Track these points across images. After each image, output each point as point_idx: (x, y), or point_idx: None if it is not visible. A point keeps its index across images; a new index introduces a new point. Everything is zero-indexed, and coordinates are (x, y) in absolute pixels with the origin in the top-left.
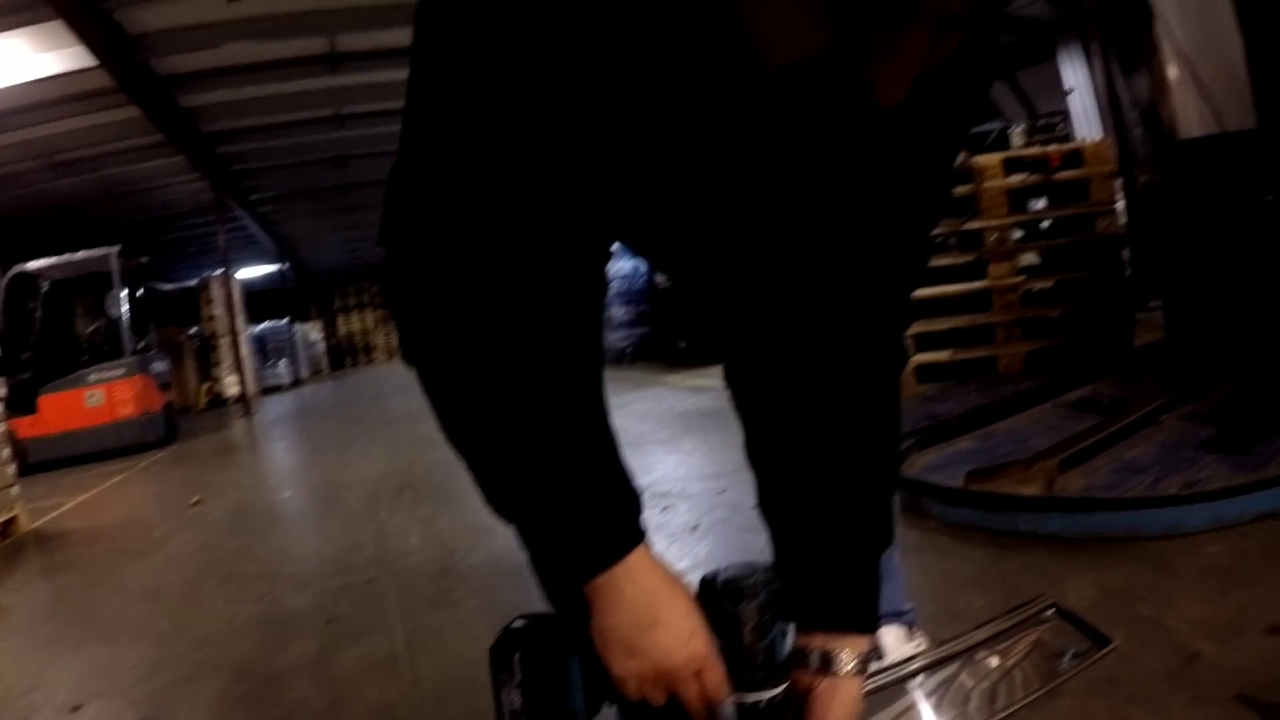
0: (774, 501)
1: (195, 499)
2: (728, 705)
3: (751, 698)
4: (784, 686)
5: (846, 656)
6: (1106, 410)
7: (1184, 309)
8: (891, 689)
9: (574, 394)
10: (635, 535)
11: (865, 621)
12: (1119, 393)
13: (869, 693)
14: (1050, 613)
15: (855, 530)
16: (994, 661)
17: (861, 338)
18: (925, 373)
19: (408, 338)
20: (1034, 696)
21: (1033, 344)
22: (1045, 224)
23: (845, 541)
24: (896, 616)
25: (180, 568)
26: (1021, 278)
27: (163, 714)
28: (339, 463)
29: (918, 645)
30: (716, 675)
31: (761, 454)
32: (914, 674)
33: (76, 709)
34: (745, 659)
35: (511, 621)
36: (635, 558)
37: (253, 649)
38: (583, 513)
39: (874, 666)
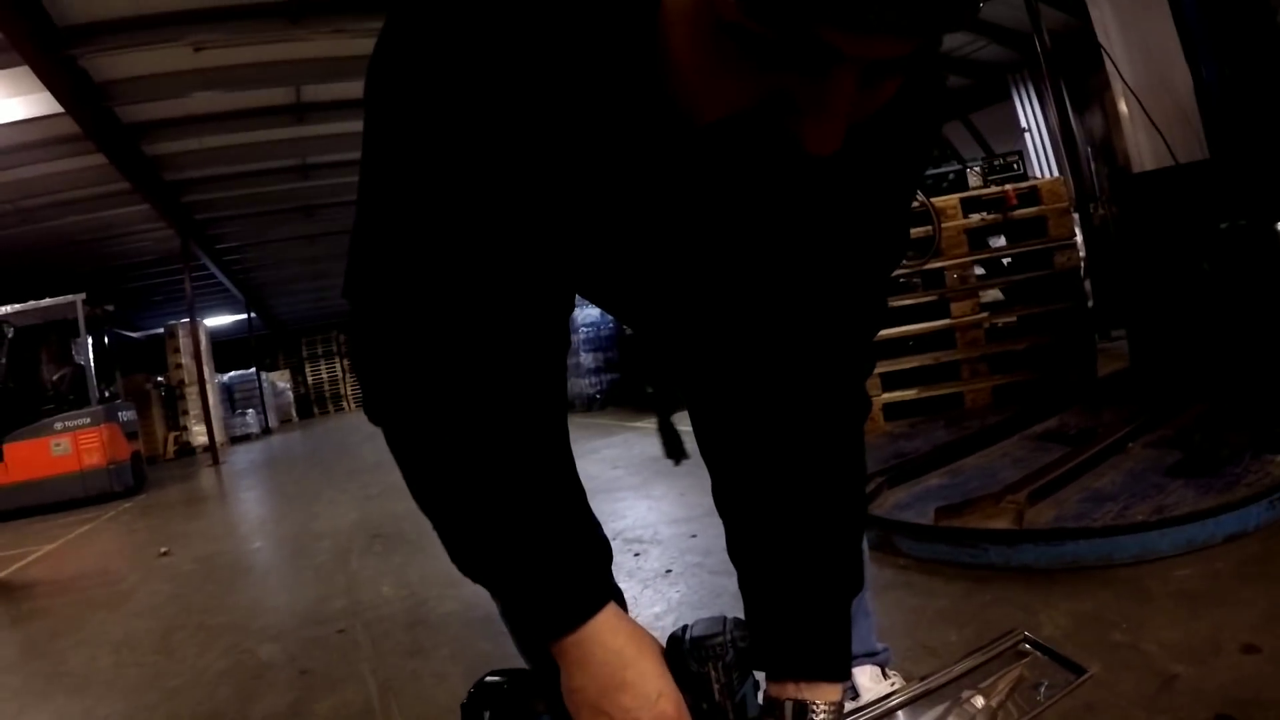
0: (742, 549)
1: (163, 550)
2: None
3: None
4: None
5: (820, 706)
6: (1073, 441)
7: (1147, 336)
8: None
9: (538, 451)
10: (602, 595)
11: (837, 669)
12: (1085, 423)
13: None
14: (1024, 645)
15: (824, 576)
16: (970, 697)
17: (821, 384)
18: (892, 410)
19: (370, 395)
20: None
21: (998, 379)
22: (1006, 261)
23: (815, 588)
24: (870, 657)
25: (149, 619)
26: (984, 314)
27: None
28: (308, 513)
29: (892, 684)
30: None
31: (728, 501)
32: (890, 712)
33: None
34: (715, 718)
35: (483, 677)
36: (602, 618)
37: (225, 701)
38: (547, 574)
39: (850, 707)
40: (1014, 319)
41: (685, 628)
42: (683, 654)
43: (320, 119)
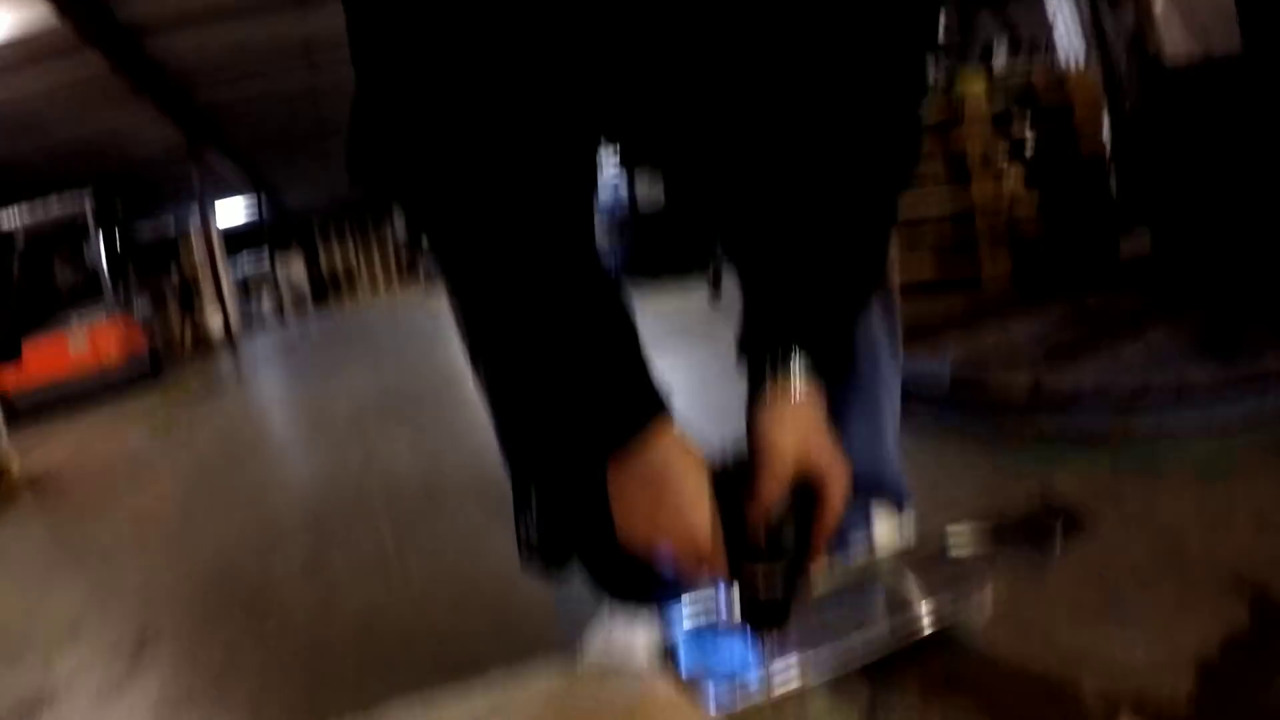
0: (750, 238)
1: (182, 430)
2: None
3: (752, 568)
4: (787, 572)
5: (800, 363)
6: (1092, 318)
7: (1171, 231)
8: (883, 575)
9: (583, 263)
10: (654, 409)
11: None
12: (1104, 304)
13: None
14: (1039, 504)
15: (837, 253)
16: (983, 547)
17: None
18: (908, 289)
19: (410, 217)
20: (1025, 578)
21: (1017, 261)
22: (1030, 143)
23: (824, 263)
24: (893, 496)
25: (170, 494)
26: (1006, 195)
27: (157, 626)
28: (325, 388)
29: (904, 531)
30: (717, 566)
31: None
32: (901, 559)
33: (75, 629)
34: (751, 544)
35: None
36: (652, 435)
37: (244, 561)
38: (605, 384)
39: (862, 553)
40: (1035, 201)
41: (725, 451)
42: (727, 480)
43: (323, 4)
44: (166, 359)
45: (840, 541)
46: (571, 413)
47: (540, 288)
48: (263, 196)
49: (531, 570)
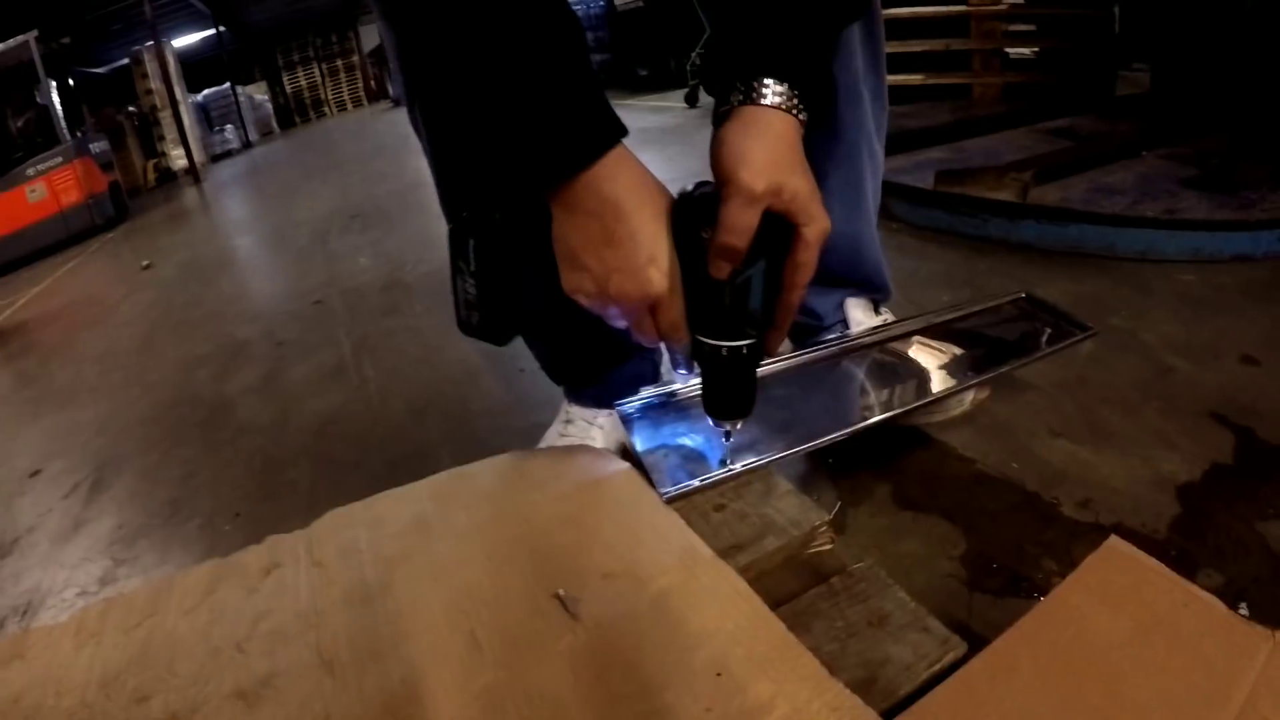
0: None
1: (145, 264)
2: (683, 346)
3: (714, 343)
4: (752, 341)
5: (772, 86)
6: (1085, 141)
7: (1172, 66)
8: (863, 354)
9: None
10: (605, 135)
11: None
12: (1099, 128)
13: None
14: (1025, 304)
15: None
16: (968, 338)
17: None
18: (896, 94)
19: None
20: (1010, 368)
21: (1010, 76)
22: None
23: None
24: (871, 290)
25: (131, 328)
26: (1004, 5)
27: (118, 459)
28: (289, 206)
29: (885, 319)
30: (673, 314)
31: None
32: (883, 342)
33: (35, 473)
34: (711, 300)
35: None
36: (604, 163)
37: (202, 383)
38: (550, 101)
39: (839, 334)
40: (1034, 16)
41: (697, 185)
42: (689, 214)
43: None
44: (131, 197)
45: (813, 319)
46: (513, 135)
47: None
48: (221, 26)
49: (470, 331)
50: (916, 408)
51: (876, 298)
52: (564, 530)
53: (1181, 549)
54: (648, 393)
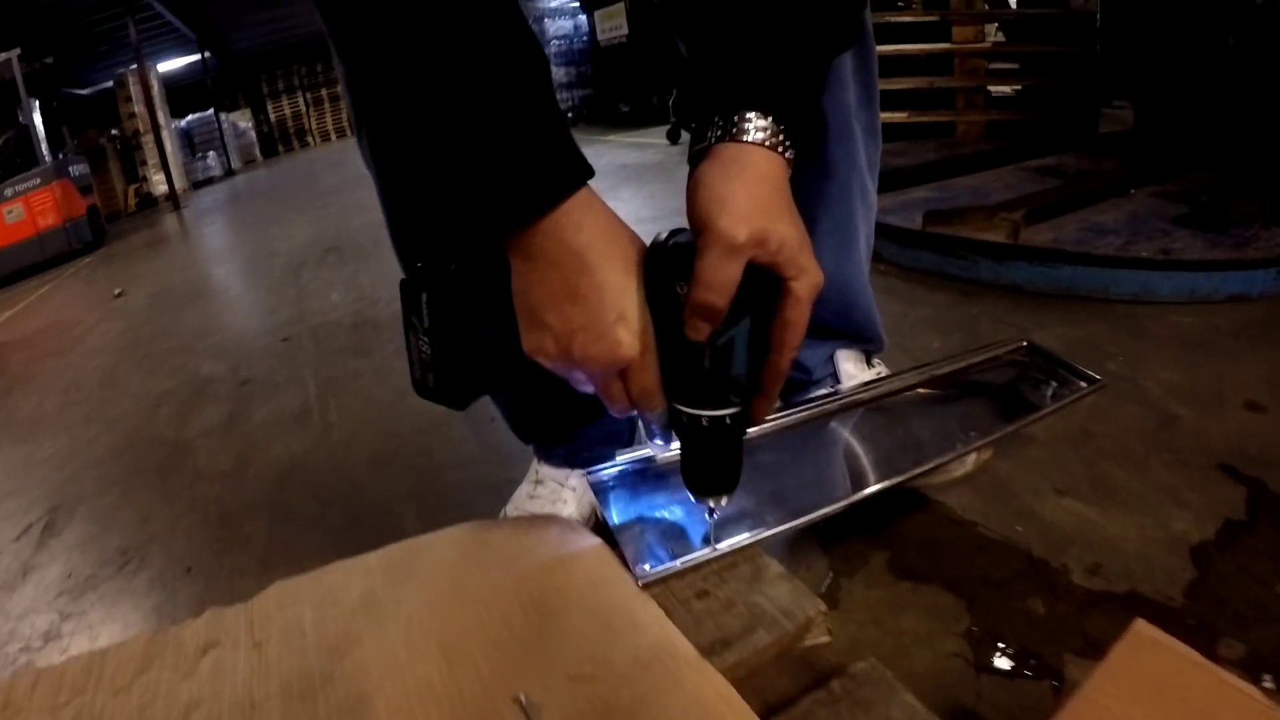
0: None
1: (118, 291)
2: (658, 414)
3: (693, 412)
4: (736, 410)
5: (755, 121)
6: (1071, 179)
7: (1156, 103)
8: (855, 412)
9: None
10: (568, 176)
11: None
12: (1085, 165)
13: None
14: (1024, 354)
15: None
16: (967, 392)
17: None
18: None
19: None
20: (1017, 426)
21: (994, 114)
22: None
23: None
24: (861, 341)
25: (98, 358)
26: (988, 43)
27: (73, 501)
28: (265, 236)
29: (878, 373)
30: (645, 380)
31: None
32: (878, 399)
33: None
34: (689, 364)
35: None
36: (566, 208)
37: (164, 421)
38: (500, 138)
39: (830, 389)
40: (1017, 53)
41: (671, 233)
42: (664, 265)
43: None
44: (110, 221)
45: (801, 374)
46: (466, 174)
47: (435, 10)
48: (205, 52)
49: (426, 394)
50: (917, 474)
51: (869, 349)
52: (528, 619)
53: (1200, 618)
54: (624, 458)
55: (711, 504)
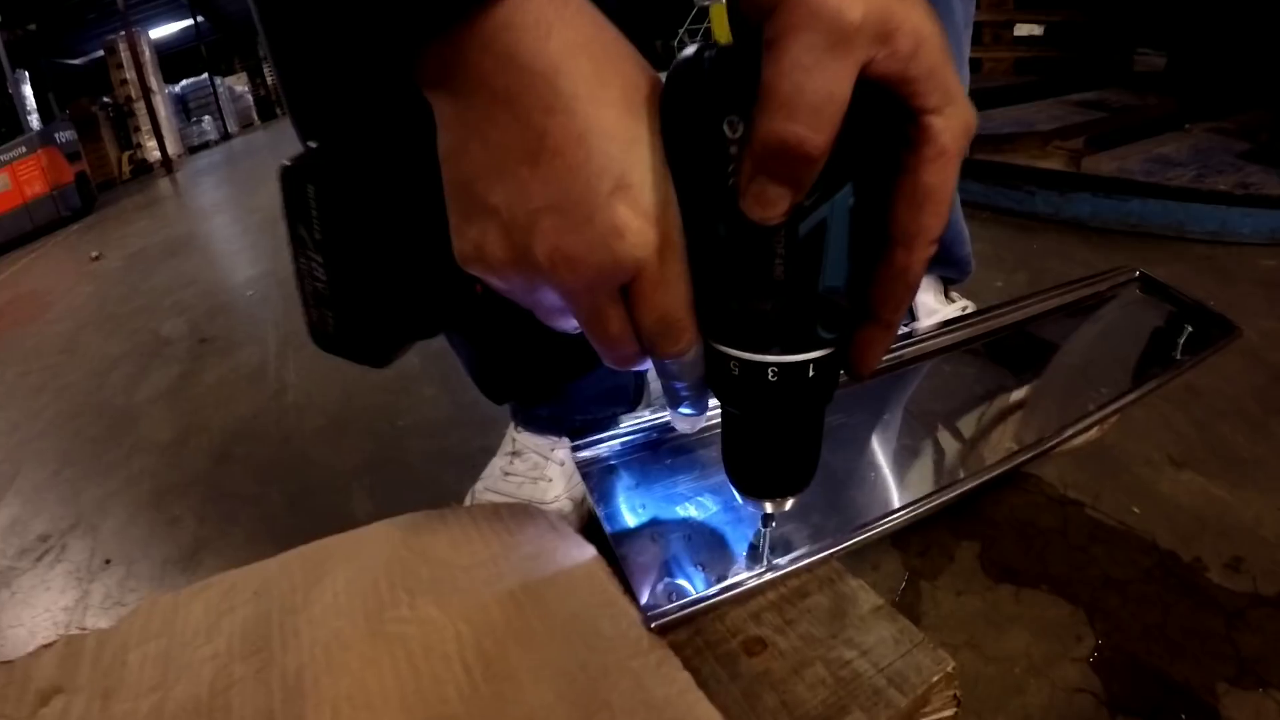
0: None
1: (94, 255)
2: (687, 362)
3: (751, 358)
4: (827, 352)
5: None
6: (1118, 112)
7: (1199, 36)
8: (939, 361)
9: None
10: None
11: None
12: (1130, 100)
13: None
14: (1136, 282)
15: None
16: (1079, 334)
17: None
18: None
19: None
20: (1157, 384)
21: (1021, 50)
22: None
23: None
24: (947, 264)
25: (63, 324)
26: None
27: (6, 478)
28: (251, 193)
29: (963, 308)
30: (667, 300)
31: None
32: (967, 342)
33: None
34: (748, 270)
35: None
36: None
37: (114, 388)
38: None
39: (904, 331)
40: None
41: (703, 45)
42: (699, 92)
43: None
44: (105, 189)
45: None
46: None
47: None
48: (198, 16)
49: (327, 344)
50: (1038, 454)
51: (951, 276)
52: (473, 685)
53: None
54: (627, 426)
55: (770, 507)
